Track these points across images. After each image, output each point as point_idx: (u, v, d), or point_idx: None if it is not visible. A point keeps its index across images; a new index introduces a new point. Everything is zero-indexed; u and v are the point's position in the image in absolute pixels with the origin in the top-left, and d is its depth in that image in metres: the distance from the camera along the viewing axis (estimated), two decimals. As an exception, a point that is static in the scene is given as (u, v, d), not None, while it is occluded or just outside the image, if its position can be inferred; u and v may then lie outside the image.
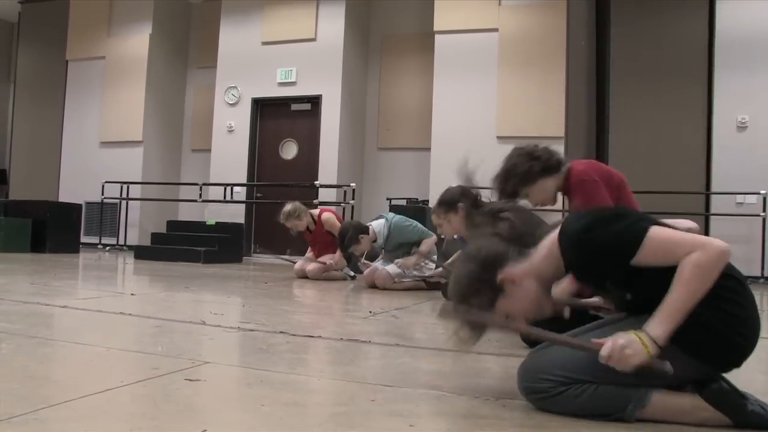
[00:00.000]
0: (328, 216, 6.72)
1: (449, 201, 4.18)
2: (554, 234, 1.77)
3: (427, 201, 9.37)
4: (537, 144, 3.18)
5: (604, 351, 1.62)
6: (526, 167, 2.99)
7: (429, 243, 5.86)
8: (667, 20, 9.36)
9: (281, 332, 3.01)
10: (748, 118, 8.66)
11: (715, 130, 8.80)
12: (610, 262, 1.68)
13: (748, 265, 8.14)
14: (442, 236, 5.45)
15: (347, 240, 5.87)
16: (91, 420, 1.57)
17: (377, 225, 5.98)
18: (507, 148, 9.06)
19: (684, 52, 9.17)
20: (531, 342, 2.85)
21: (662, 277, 1.61)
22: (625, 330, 1.68)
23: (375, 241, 5.97)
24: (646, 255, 1.63)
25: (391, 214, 6.16)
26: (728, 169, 8.69)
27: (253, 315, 3.61)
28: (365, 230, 5.94)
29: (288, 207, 6.74)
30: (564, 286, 2.47)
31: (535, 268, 1.78)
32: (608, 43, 9.73)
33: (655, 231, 1.65)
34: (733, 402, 1.66)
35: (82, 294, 4.54)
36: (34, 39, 12.53)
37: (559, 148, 9.03)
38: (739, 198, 8.56)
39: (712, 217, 8.64)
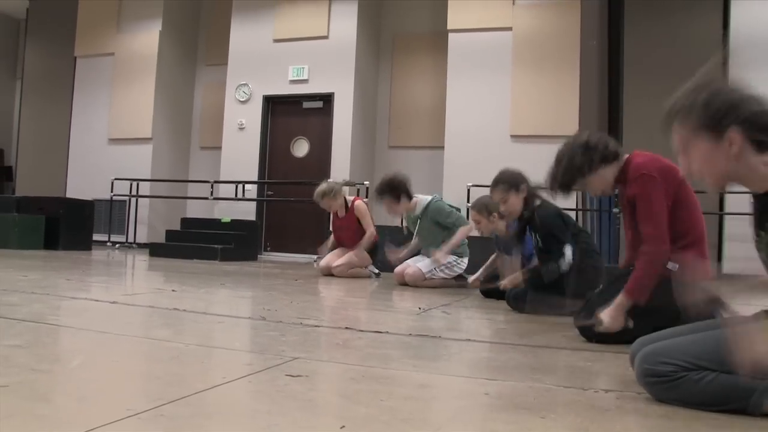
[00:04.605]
0: (362, 204, 6.67)
1: (511, 180, 4.24)
2: None
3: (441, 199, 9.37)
4: (590, 132, 3.15)
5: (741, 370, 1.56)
6: (584, 157, 2.96)
7: (463, 231, 5.75)
8: (680, 20, 9.40)
9: (347, 328, 2.99)
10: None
11: (728, 129, 8.80)
12: None
13: (761, 264, 8.15)
14: (481, 234, 5.45)
15: (388, 190, 5.89)
16: (221, 417, 1.54)
17: (422, 199, 5.96)
18: (521, 147, 9.06)
19: (697, 51, 9.18)
20: (588, 335, 2.87)
21: None
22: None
23: (412, 211, 5.98)
24: None
25: (438, 196, 6.15)
26: (742, 169, 8.69)
27: (306, 311, 3.58)
28: (408, 195, 5.94)
29: (323, 186, 6.65)
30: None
31: None
32: (621, 42, 9.76)
33: None
34: None
35: (122, 290, 4.50)
36: (41, 35, 12.47)
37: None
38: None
39: (726, 216, 8.67)
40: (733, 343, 1.56)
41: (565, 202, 6.96)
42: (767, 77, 8.37)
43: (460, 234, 5.74)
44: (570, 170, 3.00)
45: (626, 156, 3.01)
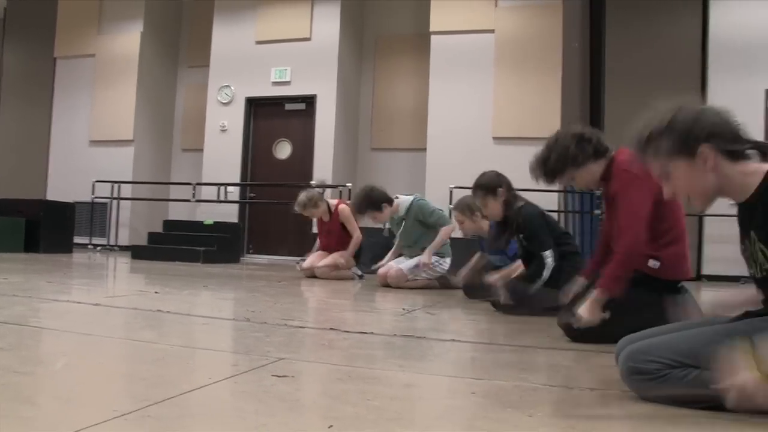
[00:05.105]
0: (346, 209, 6.64)
1: (488, 184, 4.22)
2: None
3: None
4: (584, 125, 3.18)
5: (729, 402, 1.59)
6: (577, 149, 2.97)
7: (445, 231, 5.78)
8: (660, 22, 9.50)
9: (331, 329, 2.99)
10: (740, 120, 8.75)
11: (708, 131, 8.89)
12: None
13: (740, 266, 8.24)
14: (464, 235, 5.46)
15: (368, 205, 5.88)
16: (208, 418, 1.54)
17: (404, 199, 5.98)
18: (503, 149, 9.09)
19: (677, 54, 9.29)
20: (572, 335, 2.90)
21: None
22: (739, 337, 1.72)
23: (395, 214, 5.98)
24: None
25: (419, 195, 6.16)
26: (721, 170, 8.79)
27: (290, 312, 3.58)
28: (389, 200, 5.94)
29: (302, 196, 6.65)
30: None
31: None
32: (602, 44, 9.84)
33: None
34: None
35: (104, 292, 4.47)
36: (20, 36, 12.33)
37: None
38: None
39: (705, 217, 8.75)
40: (721, 374, 1.58)
41: (547, 204, 7.03)
42: (745, 79, 8.53)
43: (443, 233, 5.76)
44: (562, 159, 3.00)
45: (612, 153, 3.03)
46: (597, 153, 2.98)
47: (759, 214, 1.72)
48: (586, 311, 2.73)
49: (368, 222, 6.38)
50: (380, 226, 6.30)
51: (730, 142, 1.74)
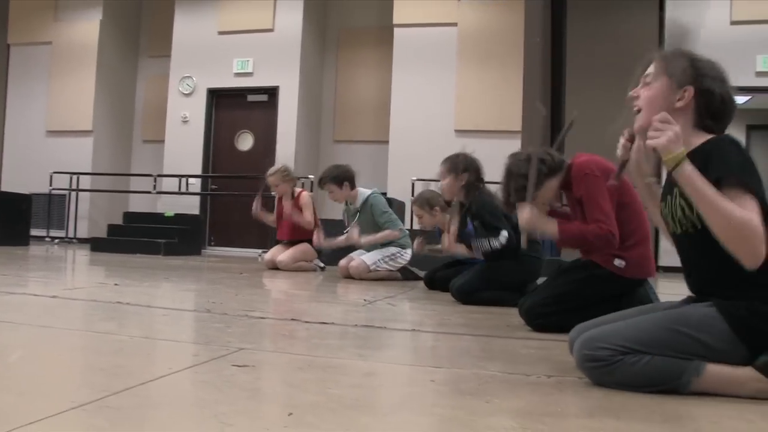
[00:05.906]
0: (307, 196, 6.66)
1: (455, 163, 4.35)
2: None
3: (385, 194, 9.36)
4: (533, 148, 3.23)
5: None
6: (533, 173, 3.02)
7: (389, 233, 5.80)
8: (619, 19, 9.65)
9: (292, 319, 3.00)
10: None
11: (666, 126, 9.07)
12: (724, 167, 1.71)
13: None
14: (423, 228, 5.50)
15: (331, 176, 5.90)
16: (168, 407, 1.53)
17: (362, 191, 5.99)
18: (465, 142, 9.15)
19: (635, 50, 9.39)
20: (531, 324, 2.96)
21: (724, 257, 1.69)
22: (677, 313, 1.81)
23: (352, 203, 6.02)
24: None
25: (377, 190, 6.16)
26: (678, 164, 8.96)
27: (252, 304, 3.58)
28: (352, 183, 5.95)
29: (281, 165, 6.70)
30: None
31: None
32: (563, 39, 9.96)
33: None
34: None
35: (63, 284, 4.40)
36: (-30, 21, 12.02)
37: (516, 143, 9.14)
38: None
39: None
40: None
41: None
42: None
43: (385, 233, 5.79)
44: (521, 189, 3.05)
45: (568, 162, 3.08)
46: (552, 171, 3.04)
47: None
48: (529, 213, 2.82)
49: (327, 211, 6.36)
50: (338, 212, 6.28)
51: (708, 114, 1.86)
